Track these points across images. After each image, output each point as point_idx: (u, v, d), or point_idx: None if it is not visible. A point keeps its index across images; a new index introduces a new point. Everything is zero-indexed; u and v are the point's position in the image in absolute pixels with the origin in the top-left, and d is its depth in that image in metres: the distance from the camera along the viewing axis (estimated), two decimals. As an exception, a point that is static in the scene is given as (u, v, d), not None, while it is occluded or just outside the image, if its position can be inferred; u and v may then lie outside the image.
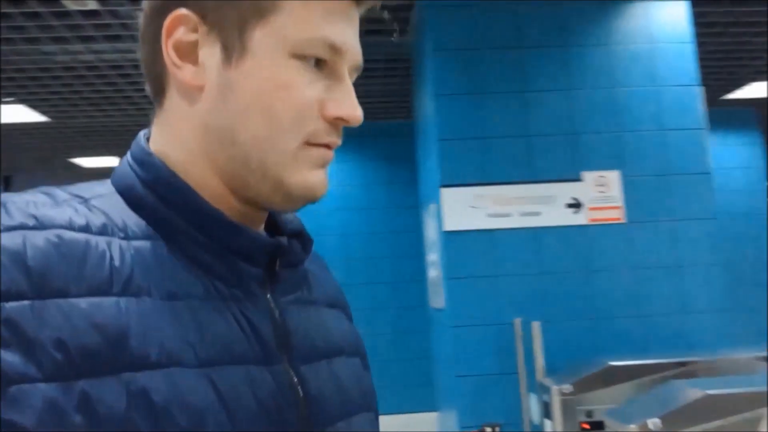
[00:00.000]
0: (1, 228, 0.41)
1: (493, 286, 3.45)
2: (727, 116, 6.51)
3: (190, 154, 0.52)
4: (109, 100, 5.30)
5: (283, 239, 0.55)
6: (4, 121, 5.34)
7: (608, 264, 3.51)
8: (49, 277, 0.41)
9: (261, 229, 0.57)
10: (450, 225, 3.49)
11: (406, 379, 5.96)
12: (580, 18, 3.72)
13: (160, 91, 0.54)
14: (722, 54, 5.08)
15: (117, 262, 0.44)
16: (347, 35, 0.52)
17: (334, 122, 0.52)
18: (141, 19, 0.53)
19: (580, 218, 3.55)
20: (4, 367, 0.37)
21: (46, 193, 0.47)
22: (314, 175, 0.52)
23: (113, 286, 0.43)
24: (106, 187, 0.51)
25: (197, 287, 0.48)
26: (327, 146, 0.53)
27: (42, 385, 0.38)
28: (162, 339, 0.43)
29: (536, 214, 3.53)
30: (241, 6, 0.49)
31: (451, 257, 3.48)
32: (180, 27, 0.50)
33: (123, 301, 0.43)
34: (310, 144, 0.52)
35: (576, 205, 3.55)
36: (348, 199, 6.19)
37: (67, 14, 3.69)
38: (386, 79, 5.15)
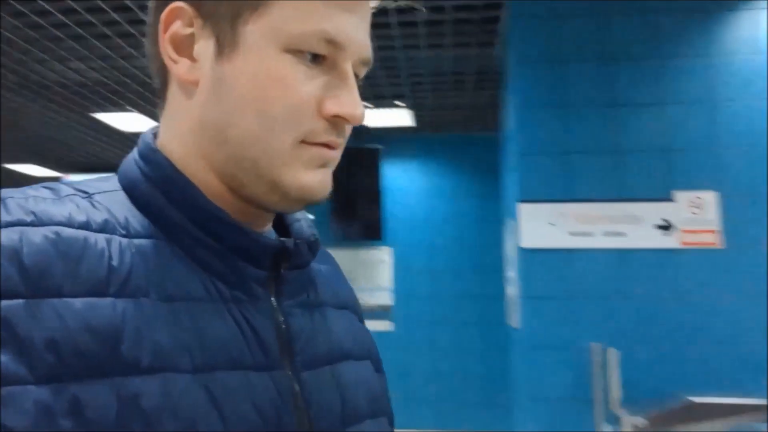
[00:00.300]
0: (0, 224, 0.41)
1: (571, 307, 3.30)
2: None
3: (187, 150, 0.51)
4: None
5: (289, 241, 0.53)
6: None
7: (700, 291, 3.26)
8: (45, 275, 0.40)
9: (268, 228, 0.56)
10: (527, 242, 3.39)
11: (487, 398, 5.84)
12: (676, 28, 3.50)
13: (163, 85, 0.53)
14: None
15: (115, 262, 0.44)
16: (348, 28, 0.49)
17: (333, 120, 0.50)
18: (148, 13, 0.53)
19: (670, 241, 3.32)
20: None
21: (49, 188, 0.47)
22: (311, 175, 0.50)
23: (110, 286, 0.42)
24: (111, 183, 0.51)
25: (198, 288, 0.47)
26: (326, 146, 0.51)
27: (33, 388, 0.37)
28: (157, 343, 0.42)
29: (621, 234, 3.35)
30: None
31: (527, 275, 3.38)
32: (176, 21, 0.49)
33: (119, 302, 0.42)
34: (306, 143, 0.49)
35: (666, 227, 3.33)
36: (435, 211, 6.19)
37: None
38: (476, 91, 5.11)
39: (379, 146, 6.09)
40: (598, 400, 3.01)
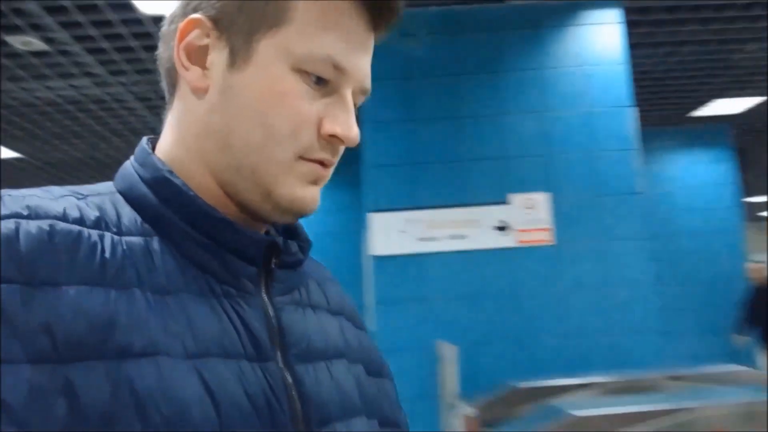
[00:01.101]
0: None
1: (422, 309, 3.49)
2: (699, 133, 6.49)
3: (190, 155, 0.53)
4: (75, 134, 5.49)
5: (278, 238, 0.56)
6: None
7: (537, 285, 3.54)
8: (39, 264, 0.41)
9: (262, 228, 0.57)
10: (379, 249, 3.55)
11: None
12: (514, 44, 3.79)
13: (171, 90, 0.55)
14: (690, 71, 5.09)
15: (108, 255, 0.45)
16: (355, 58, 0.52)
17: (329, 140, 0.52)
18: (165, 20, 0.55)
19: (508, 241, 3.58)
20: None
21: (45, 189, 0.48)
22: (304, 189, 0.52)
23: (103, 277, 0.44)
24: (106, 186, 0.53)
25: (189, 283, 0.48)
26: (321, 163, 0.53)
27: (27, 367, 0.38)
28: (150, 330, 0.43)
29: (464, 237, 3.58)
30: (253, 14, 0.50)
31: (380, 281, 3.54)
32: (194, 30, 0.51)
33: (112, 292, 0.43)
34: (303, 158, 0.52)
35: (503, 228, 3.59)
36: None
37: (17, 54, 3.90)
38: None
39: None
40: (442, 395, 3.19)
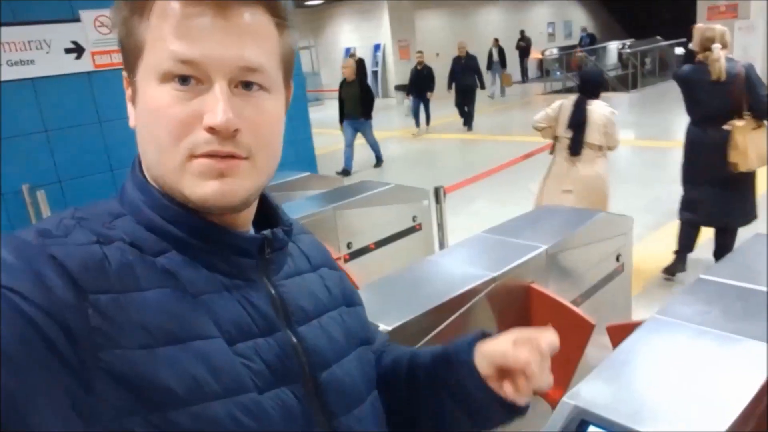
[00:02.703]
0: (84, 242, 0.54)
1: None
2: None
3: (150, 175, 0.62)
4: None
5: (267, 232, 0.64)
6: None
7: (121, 112, 3.39)
8: (124, 275, 0.54)
9: (249, 223, 0.66)
10: None
11: None
12: None
13: None
14: None
15: (161, 271, 0.57)
16: (203, 45, 0.55)
17: (211, 132, 0.55)
18: None
19: (83, 65, 3.24)
20: (113, 339, 0.51)
21: (81, 218, 0.58)
22: (204, 185, 0.57)
23: (166, 282, 0.56)
24: (115, 208, 0.61)
25: (207, 284, 0.59)
26: (214, 155, 0.56)
27: (133, 353, 0.52)
28: (207, 320, 0.57)
29: (31, 62, 3.08)
30: (128, 56, 0.59)
31: None
32: (127, 86, 0.61)
33: (176, 294, 0.56)
34: (193, 156, 0.56)
35: (76, 50, 3.21)
36: None
37: None
38: None
39: None
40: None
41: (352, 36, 16.79)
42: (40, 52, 3.09)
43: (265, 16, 0.58)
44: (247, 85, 0.57)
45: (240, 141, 0.56)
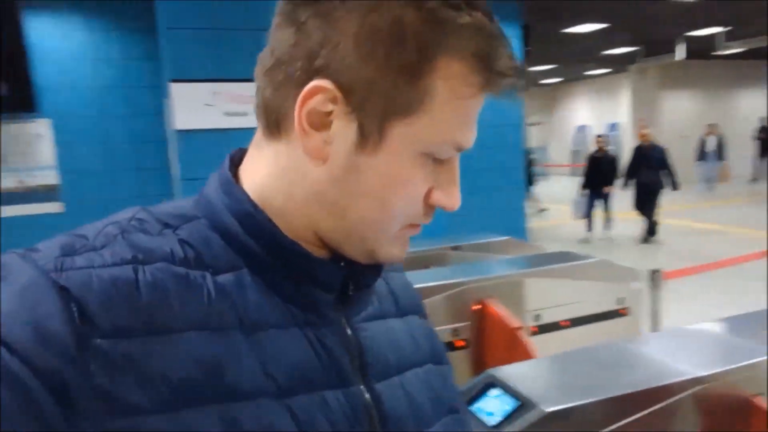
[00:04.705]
0: (115, 261, 0.46)
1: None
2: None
3: (293, 204, 0.53)
4: None
5: (358, 266, 0.56)
6: None
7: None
8: (157, 312, 0.45)
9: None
10: (182, 123, 3.31)
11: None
12: None
13: (275, 131, 0.53)
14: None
15: (211, 298, 0.48)
16: (473, 134, 0.53)
17: (433, 208, 0.54)
18: (268, 51, 0.53)
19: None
20: (123, 401, 0.41)
21: (139, 220, 0.51)
22: (401, 248, 0.56)
23: (208, 321, 0.47)
24: (188, 209, 0.53)
25: (276, 315, 0.51)
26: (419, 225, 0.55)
27: (151, 418, 0.42)
28: (251, 372, 0.47)
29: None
30: (390, 97, 0.49)
31: (185, 157, 3.35)
32: (318, 95, 0.49)
33: (217, 335, 0.47)
34: (409, 226, 0.55)
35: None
36: (101, 75, 5.53)
37: None
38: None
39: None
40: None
41: (585, 114, 16.38)
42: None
43: None
44: None
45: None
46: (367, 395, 0.53)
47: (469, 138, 0.53)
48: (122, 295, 0.44)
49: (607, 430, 1.29)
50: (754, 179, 13.53)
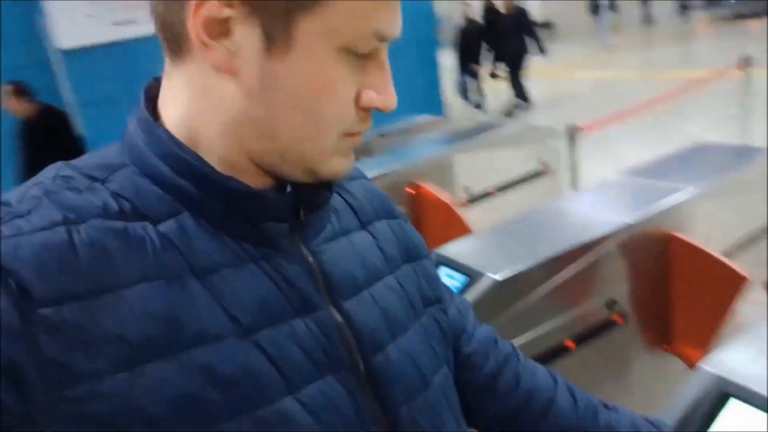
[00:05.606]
0: (45, 224, 0.42)
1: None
2: None
3: (219, 132, 0.49)
4: None
5: (305, 189, 0.52)
6: None
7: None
8: (98, 272, 0.42)
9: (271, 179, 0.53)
10: (66, 41, 3.01)
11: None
12: None
13: (177, 51, 0.48)
14: None
15: (154, 247, 0.45)
16: (395, 20, 0.49)
17: (367, 110, 0.51)
18: None
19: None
20: (77, 368, 0.40)
21: (64, 178, 0.47)
22: (344, 162, 0.52)
23: (156, 271, 0.44)
24: (115, 157, 0.49)
25: (227, 254, 0.48)
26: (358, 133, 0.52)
27: (110, 379, 0.40)
28: (211, 316, 0.45)
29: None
30: None
31: (76, 79, 3.08)
32: (211, 0, 0.44)
33: (168, 285, 0.44)
34: (346, 135, 0.51)
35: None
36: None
37: None
38: None
39: None
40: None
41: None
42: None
43: None
44: None
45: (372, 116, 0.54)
46: (337, 316, 0.52)
47: (390, 22, 0.49)
48: (58, 259, 0.41)
49: (549, 283, 1.38)
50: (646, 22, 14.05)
